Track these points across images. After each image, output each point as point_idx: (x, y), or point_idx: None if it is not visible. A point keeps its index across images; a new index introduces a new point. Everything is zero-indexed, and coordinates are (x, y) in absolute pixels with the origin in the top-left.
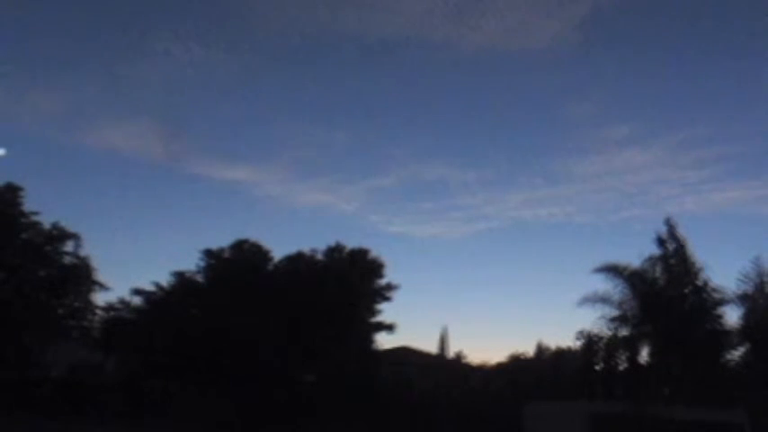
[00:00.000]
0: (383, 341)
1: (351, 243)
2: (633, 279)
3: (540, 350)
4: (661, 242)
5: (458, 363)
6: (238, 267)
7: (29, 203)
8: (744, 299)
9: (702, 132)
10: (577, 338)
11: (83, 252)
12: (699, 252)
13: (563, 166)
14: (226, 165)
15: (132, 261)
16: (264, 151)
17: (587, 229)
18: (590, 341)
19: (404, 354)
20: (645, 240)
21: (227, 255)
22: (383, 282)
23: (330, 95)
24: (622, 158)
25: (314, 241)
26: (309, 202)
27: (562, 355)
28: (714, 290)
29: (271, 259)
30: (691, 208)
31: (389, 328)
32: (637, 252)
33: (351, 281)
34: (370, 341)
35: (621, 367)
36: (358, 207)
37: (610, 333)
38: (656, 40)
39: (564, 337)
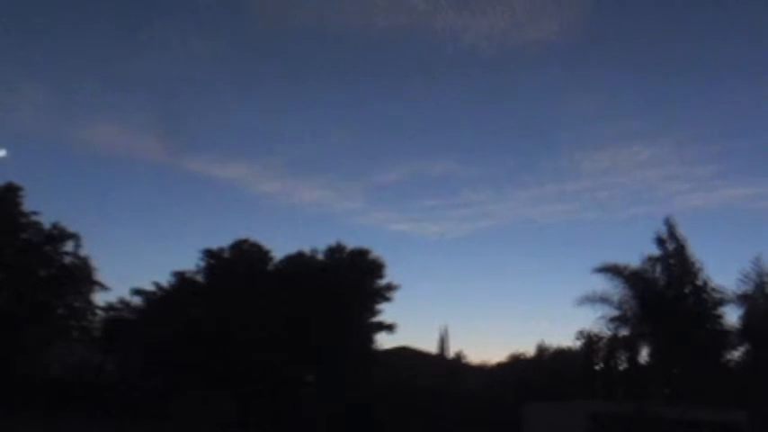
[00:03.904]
0: (383, 341)
1: (352, 241)
2: (633, 279)
3: (540, 350)
4: (661, 242)
5: (458, 363)
6: (238, 267)
7: (29, 203)
8: (744, 299)
9: (710, 127)
10: (577, 338)
11: (83, 252)
12: (707, 249)
13: (570, 162)
14: (225, 162)
15: (132, 261)
16: (264, 148)
17: (594, 226)
18: (590, 341)
19: (404, 354)
20: (651, 237)
21: (227, 255)
22: (383, 282)
23: (331, 90)
24: (630, 154)
25: (315, 240)
26: (310, 200)
27: (562, 355)
28: (714, 290)
29: (271, 259)
30: (699, 204)
31: (389, 328)
32: (644, 249)
33: (351, 281)
34: (370, 341)
35: (621, 367)
36: (360, 204)
37: (610, 333)
38: (663, 35)
39: (564, 337)
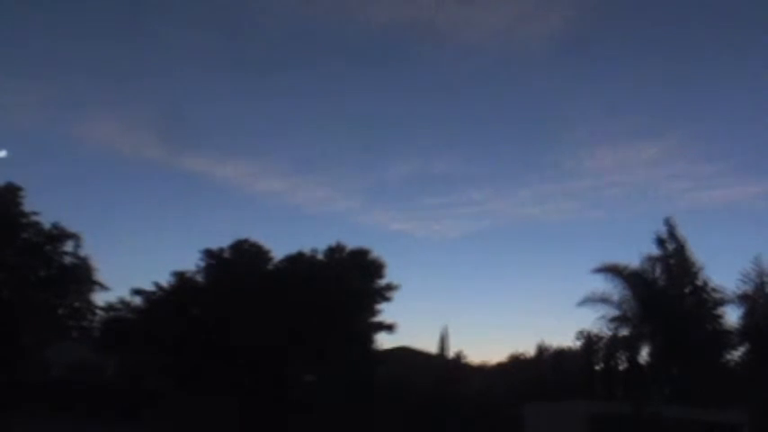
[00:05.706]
0: (383, 341)
1: (352, 240)
2: (633, 279)
3: (540, 350)
4: (661, 242)
5: (458, 363)
6: (238, 267)
7: (29, 203)
8: (744, 299)
9: (715, 125)
10: (577, 338)
11: (83, 252)
12: (708, 248)
13: (573, 160)
14: (225, 161)
15: (132, 261)
16: (264, 147)
17: (597, 225)
18: (590, 341)
19: (404, 354)
20: (652, 237)
21: (227, 255)
22: (383, 282)
23: (331, 89)
24: (634, 152)
25: (315, 239)
26: (310, 200)
27: (562, 354)
28: (714, 290)
29: (271, 259)
30: (702, 203)
31: (389, 328)
32: (645, 249)
33: (351, 281)
34: (370, 341)
35: (621, 367)
36: (360, 204)
37: (610, 333)
38: (668, 31)
39: (564, 337)
